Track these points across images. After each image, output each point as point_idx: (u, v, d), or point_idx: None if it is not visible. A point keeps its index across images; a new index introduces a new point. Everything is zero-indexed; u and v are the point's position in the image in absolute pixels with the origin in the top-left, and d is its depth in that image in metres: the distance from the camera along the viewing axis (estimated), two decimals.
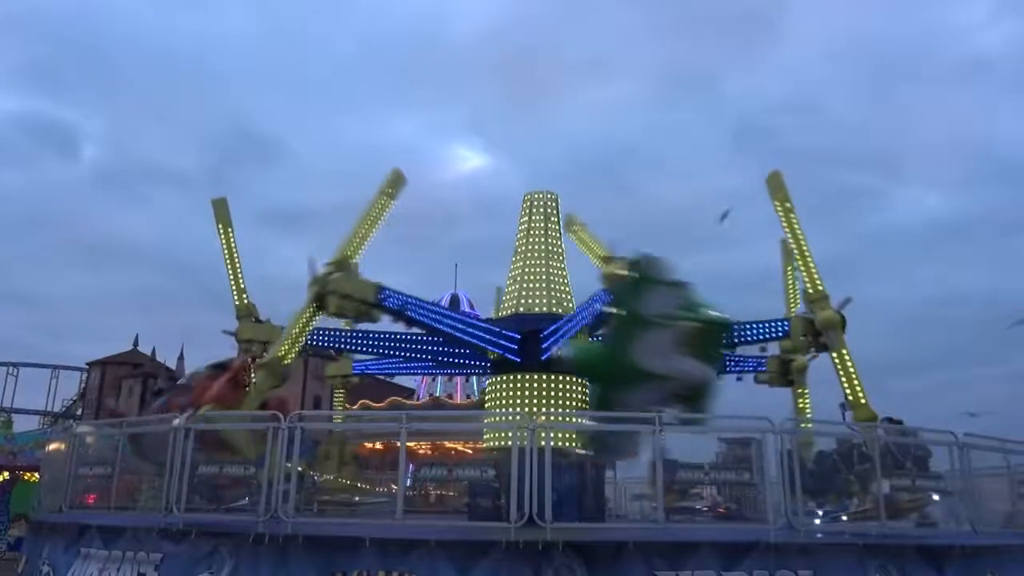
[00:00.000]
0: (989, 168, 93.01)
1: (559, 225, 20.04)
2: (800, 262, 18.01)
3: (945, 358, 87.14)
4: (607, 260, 18.15)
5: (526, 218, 19.76)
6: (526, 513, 9.60)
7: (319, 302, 16.14)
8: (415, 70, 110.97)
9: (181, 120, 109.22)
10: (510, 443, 10.63)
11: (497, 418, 17.24)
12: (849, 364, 16.85)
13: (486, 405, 19.38)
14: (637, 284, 11.70)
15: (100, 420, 29.44)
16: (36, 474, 21.90)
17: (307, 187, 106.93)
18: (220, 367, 16.96)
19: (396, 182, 18.72)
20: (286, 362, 16.05)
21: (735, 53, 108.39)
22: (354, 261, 17.11)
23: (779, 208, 18.33)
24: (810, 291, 17.67)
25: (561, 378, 17.75)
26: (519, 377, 17.72)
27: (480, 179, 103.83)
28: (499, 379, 18.29)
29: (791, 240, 18.32)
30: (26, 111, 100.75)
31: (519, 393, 17.55)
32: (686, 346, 11.90)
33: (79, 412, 61.69)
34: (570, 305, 19.24)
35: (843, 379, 16.86)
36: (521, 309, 18.60)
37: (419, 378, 39.85)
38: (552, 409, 16.80)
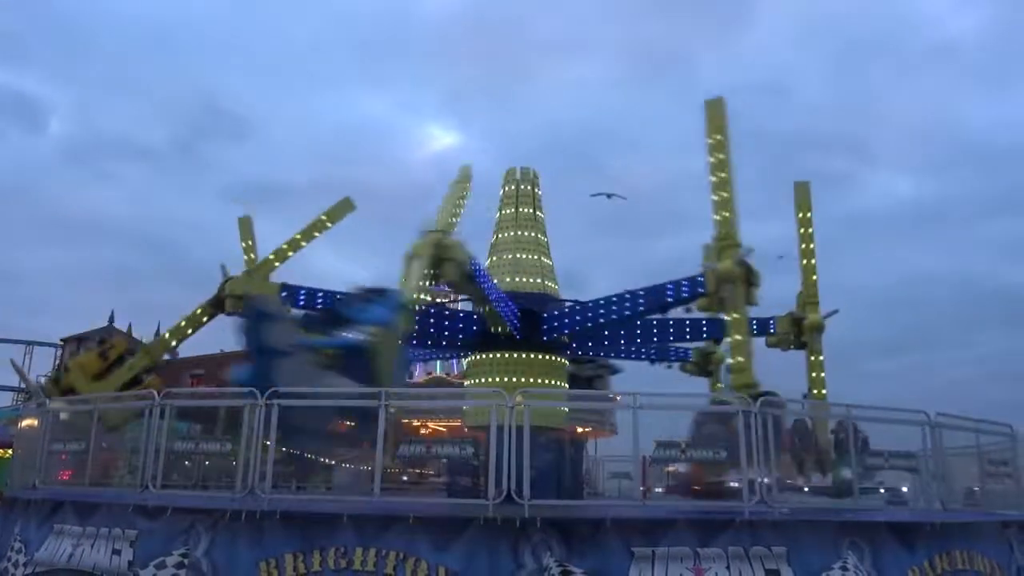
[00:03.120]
0: (957, 153, 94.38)
1: (540, 202, 20.07)
2: (804, 263, 19.29)
3: (915, 340, 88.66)
4: (724, 249, 15.22)
5: (512, 196, 19.74)
6: (504, 490, 9.62)
7: (438, 266, 15.42)
8: (387, 48, 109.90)
9: (150, 94, 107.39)
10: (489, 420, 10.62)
11: (476, 395, 17.23)
12: (822, 365, 18.59)
13: (467, 383, 19.43)
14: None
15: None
16: (9, 450, 21.64)
17: (278, 163, 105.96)
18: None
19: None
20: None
21: (707, 34, 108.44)
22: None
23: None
24: (805, 293, 19.12)
25: (541, 356, 17.86)
26: (500, 355, 17.78)
27: (454, 158, 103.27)
28: (480, 357, 18.32)
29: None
30: None
31: (500, 370, 17.61)
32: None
33: None
34: (553, 284, 19.38)
35: (813, 377, 18.59)
36: (513, 288, 18.60)
37: None
38: (532, 387, 16.85)
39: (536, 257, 19.26)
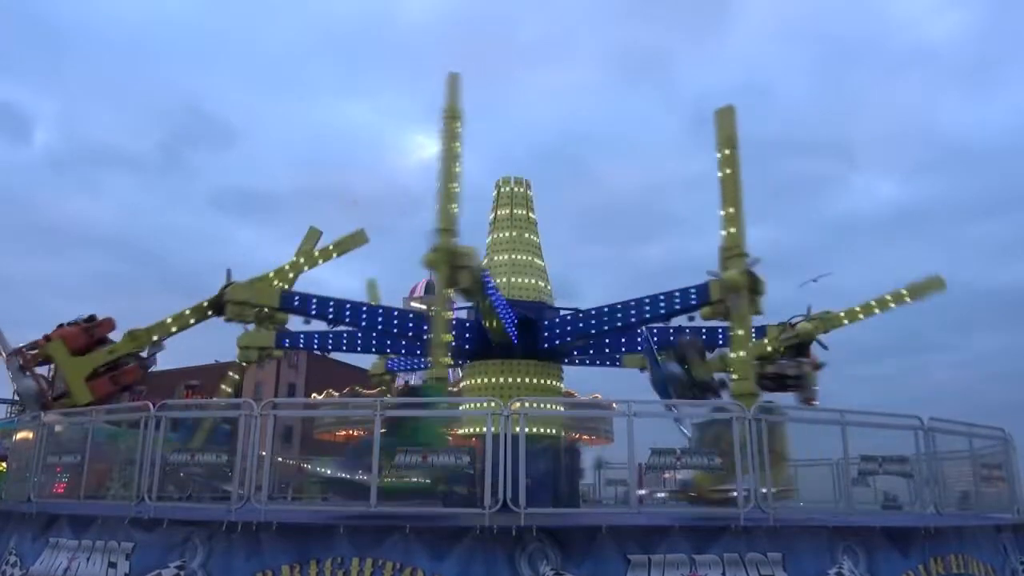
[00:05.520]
0: (939, 155, 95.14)
1: (534, 210, 20.25)
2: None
3: (903, 344, 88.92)
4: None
5: (505, 205, 19.91)
6: (500, 499, 9.63)
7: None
8: (369, 55, 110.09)
9: (134, 102, 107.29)
10: (485, 429, 10.64)
11: (471, 405, 17.25)
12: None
13: (463, 391, 19.47)
14: None
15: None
16: (3, 463, 21.52)
17: (264, 171, 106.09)
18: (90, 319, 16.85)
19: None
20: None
21: (688, 38, 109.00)
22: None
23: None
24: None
25: (535, 364, 17.92)
26: (495, 363, 17.83)
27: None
28: (475, 365, 18.36)
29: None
30: None
31: (494, 379, 17.66)
32: None
33: None
34: (546, 285, 19.54)
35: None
36: (510, 295, 18.69)
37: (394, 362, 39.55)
38: (527, 395, 16.90)
39: (530, 258, 19.43)
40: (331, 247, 20.53)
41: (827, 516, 11.10)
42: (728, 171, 15.33)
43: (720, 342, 18.85)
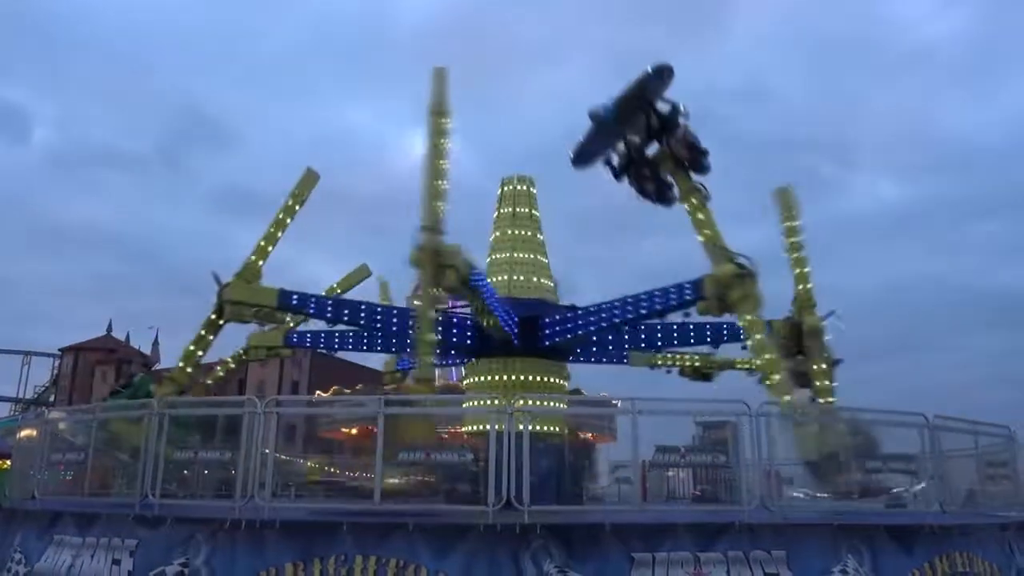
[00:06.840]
0: (937, 156, 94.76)
1: (538, 208, 20.22)
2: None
3: (902, 343, 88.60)
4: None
5: (509, 203, 19.90)
6: (504, 496, 9.62)
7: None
8: (367, 57, 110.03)
9: (132, 104, 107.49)
10: (489, 427, 10.62)
11: (475, 402, 17.24)
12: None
13: (465, 388, 19.48)
14: None
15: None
16: (7, 462, 21.58)
17: (264, 172, 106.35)
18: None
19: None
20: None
21: (685, 39, 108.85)
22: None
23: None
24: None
25: (539, 362, 17.88)
26: (497, 361, 17.81)
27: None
28: (478, 363, 18.36)
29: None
30: None
31: (498, 377, 17.64)
32: None
33: (52, 398, 60.88)
34: (550, 282, 19.52)
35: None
36: (512, 293, 18.67)
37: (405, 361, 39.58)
38: (530, 392, 16.87)
39: (533, 256, 19.40)
40: (335, 285, 21.96)
41: (832, 514, 11.05)
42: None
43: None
